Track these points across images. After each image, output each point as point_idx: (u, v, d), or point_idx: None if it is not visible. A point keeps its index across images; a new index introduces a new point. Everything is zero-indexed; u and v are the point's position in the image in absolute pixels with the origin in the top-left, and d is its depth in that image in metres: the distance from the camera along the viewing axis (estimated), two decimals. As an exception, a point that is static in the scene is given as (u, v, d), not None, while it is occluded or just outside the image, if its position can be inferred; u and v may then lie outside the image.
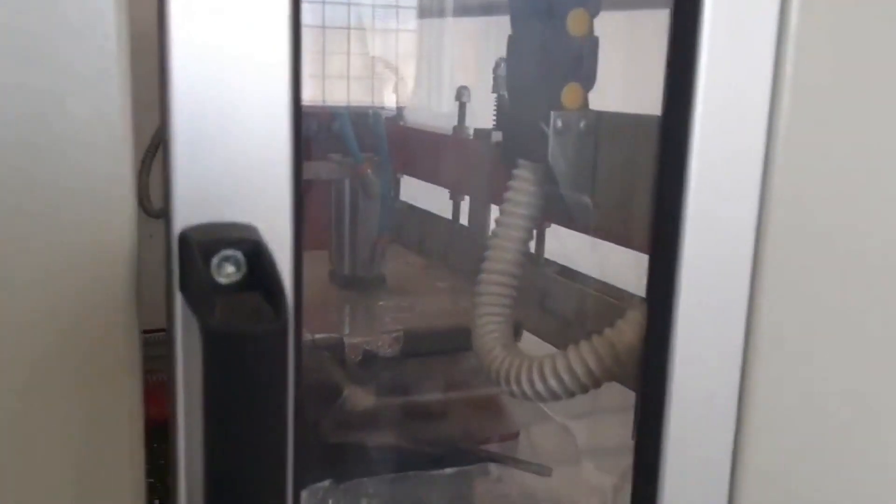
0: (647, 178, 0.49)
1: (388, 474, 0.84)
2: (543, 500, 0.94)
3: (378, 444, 0.90)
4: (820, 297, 0.50)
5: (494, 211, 1.02)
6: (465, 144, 1.04)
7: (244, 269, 0.34)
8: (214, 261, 0.34)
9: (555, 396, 0.56)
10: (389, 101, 1.13)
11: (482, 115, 1.01)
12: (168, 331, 0.37)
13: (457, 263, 1.06)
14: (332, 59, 1.10)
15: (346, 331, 0.90)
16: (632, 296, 0.60)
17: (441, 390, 0.94)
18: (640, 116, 0.55)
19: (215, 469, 0.33)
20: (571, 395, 0.55)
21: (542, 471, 0.91)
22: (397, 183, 1.09)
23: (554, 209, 0.62)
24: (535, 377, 0.55)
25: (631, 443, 0.97)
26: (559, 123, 0.56)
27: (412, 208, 1.14)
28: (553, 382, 0.55)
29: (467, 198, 1.06)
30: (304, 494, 0.83)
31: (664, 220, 0.45)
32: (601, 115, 0.57)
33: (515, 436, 0.93)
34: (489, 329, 0.61)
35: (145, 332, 0.40)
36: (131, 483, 0.40)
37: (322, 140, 1.02)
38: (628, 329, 0.52)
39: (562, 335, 0.83)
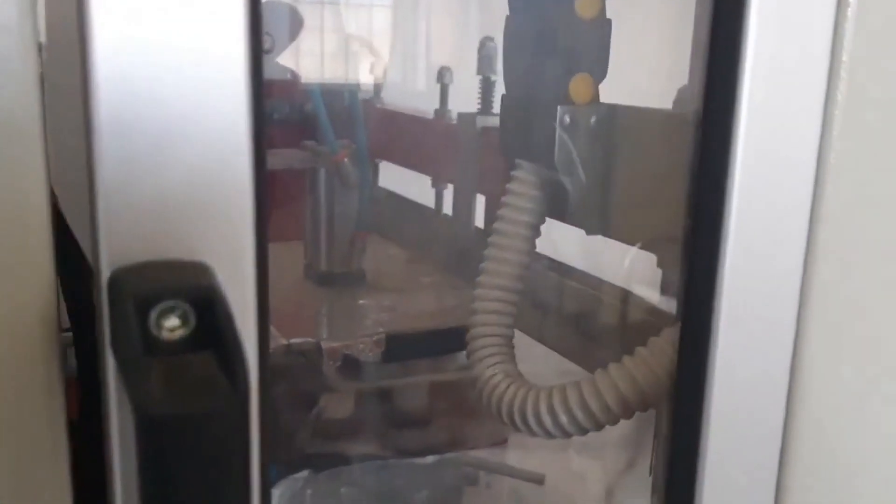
0: (668, 180, 0.43)
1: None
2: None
3: (359, 456, 0.84)
4: (875, 312, 0.44)
5: (480, 200, 0.97)
6: (448, 129, 0.98)
7: (192, 322, 0.27)
8: (153, 313, 0.27)
9: (565, 433, 0.49)
10: (366, 80, 1.07)
11: (466, 97, 0.96)
12: (102, 402, 0.29)
13: (439, 256, 1.00)
14: (305, 35, 1.03)
15: (324, 334, 0.84)
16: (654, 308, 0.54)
17: (425, 395, 0.88)
18: (661, 111, 0.49)
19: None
20: (584, 432, 0.49)
21: (535, 478, 0.86)
22: (376, 168, 1.03)
23: (559, 212, 0.55)
24: (544, 411, 0.49)
25: (627, 435, 0.92)
26: (566, 119, 0.49)
27: (392, 196, 1.08)
28: (564, 418, 0.49)
29: (450, 187, 1.00)
30: (280, 486, 0.78)
31: (702, 228, 0.39)
32: (615, 110, 0.50)
33: (504, 441, 0.88)
34: (488, 353, 0.55)
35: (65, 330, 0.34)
36: (55, 482, 0.34)
37: (294, 123, 0.96)
38: (652, 359, 0.46)
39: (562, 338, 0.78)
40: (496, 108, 0.92)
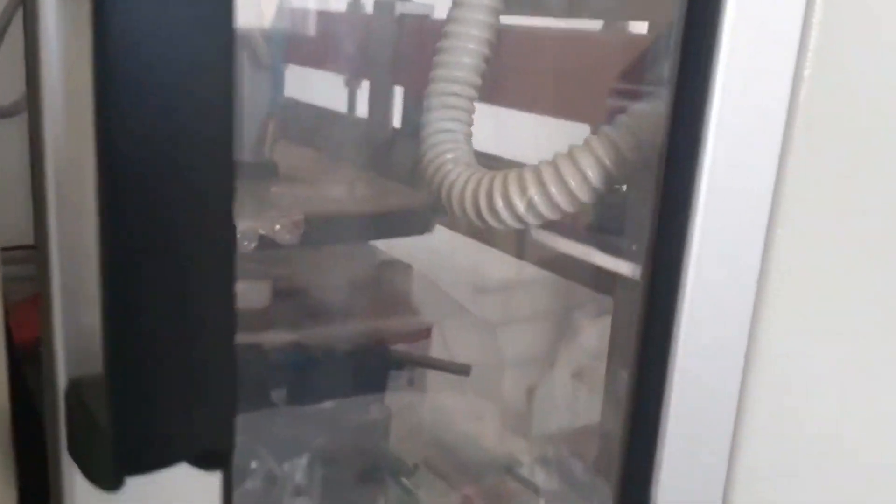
0: None
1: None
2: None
3: (277, 347, 0.79)
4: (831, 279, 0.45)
5: (398, 95, 0.93)
6: (364, 21, 0.93)
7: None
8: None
9: (538, 217, 0.45)
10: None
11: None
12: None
13: (356, 157, 0.96)
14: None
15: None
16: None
17: (345, 285, 0.84)
18: None
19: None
20: (541, 217, 0.46)
21: (461, 370, 0.83)
22: (282, 76, 0.97)
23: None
24: (514, 192, 0.45)
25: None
26: None
27: (299, 105, 1.03)
28: (537, 198, 0.45)
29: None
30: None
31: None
32: None
33: (428, 334, 0.84)
34: (445, 149, 0.51)
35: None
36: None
37: None
38: (617, 136, 0.43)
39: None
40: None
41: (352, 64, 0.95)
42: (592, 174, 0.44)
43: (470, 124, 0.52)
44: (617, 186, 0.55)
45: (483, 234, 0.80)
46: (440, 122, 0.51)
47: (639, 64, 0.52)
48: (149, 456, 0.20)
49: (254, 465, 0.72)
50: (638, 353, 0.43)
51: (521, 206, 0.46)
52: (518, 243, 0.78)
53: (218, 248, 0.21)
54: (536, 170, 0.46)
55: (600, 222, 0.61)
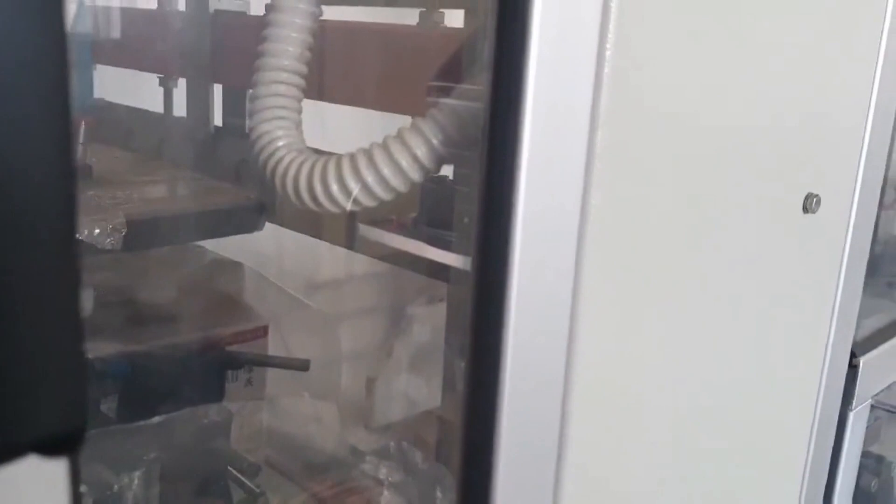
0: None
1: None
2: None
3: (103, 358, 0.76)
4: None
5: (217, 92, 0.91)
6: (176, 18, 0.90)
7: None
8: None
9: (373, 198, 0.46)
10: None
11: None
12: None
13: (178, 159, 0.93)
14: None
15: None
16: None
17: (173, 289, 0.81)
18: None
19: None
20: (376, 199, 0.46)
21: (300, 366, 0.82)
22: (91, 78, 0.93)
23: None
24: (348, 174, 0.45)
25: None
26: None
27: (113, 106, 0.98)
28: (370, 178, 0.45)
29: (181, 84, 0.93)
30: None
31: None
32: None
33: (264, 332, 0.83)
34: (277, 136, 0.50)
35: None
36: None
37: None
38: (445, 117, 0.44)
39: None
40: (229, -12, 0.87)
41: (166, 62, 0.92)
42: (421, 153, 0.45)
43: (299, 112, 0.52)
44: (444, 175, 0.57)
45: (316, 230, 0.80)
46: (270, 109, 0.51)
47: (458, 54, 0.53)
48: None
49: (84, 488, 0.69)
50: (471, 339, 0.44)
51: (355, 187, 0.46)
52: (350, 238, 0.78)
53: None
54: (368, 152, 0.47)
55: (428, 217, 0.63)
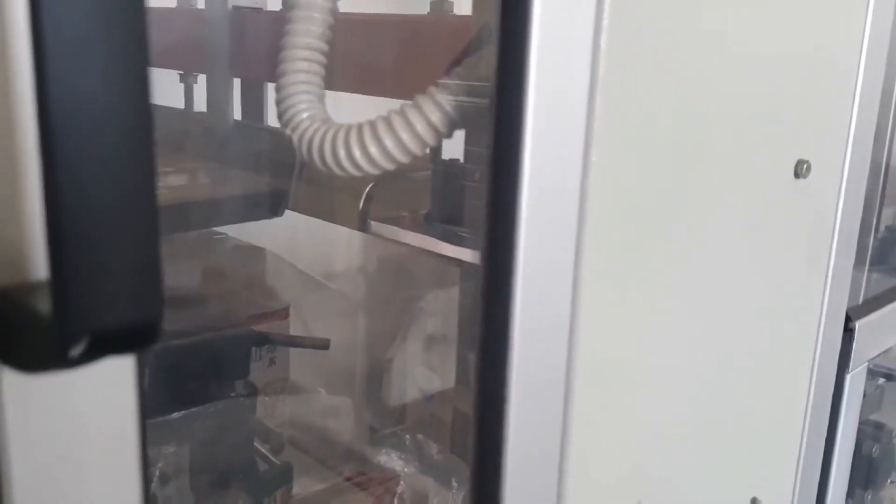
0: None
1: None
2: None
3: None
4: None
5: (237, 86, 0.94)
6: (196, 15, 0.94)
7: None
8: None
9: (391, 160, 0.49)
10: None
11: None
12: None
13: (198, 150, 0.96)
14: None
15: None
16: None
17: (197, 273, 0.85)
18: None
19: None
20: (394, 162, 0.50)
21: (320, 344, 0.86)
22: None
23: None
24: (369, 139, 0.49)
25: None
26: None
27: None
28: (389, 141, 0.49)
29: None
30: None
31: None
32: None
33: (286, 313, 0.86)
34: (301, 108, 0.53)
35: None
36: None
37: None
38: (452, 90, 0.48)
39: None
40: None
41: (186, 59, 0.95)
42: (435, 118, 0.49)
43: (321, 87, 0.56)
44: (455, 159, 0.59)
45: (333, 215, 0.83)
46: (295, 85, 0.55)
47: (469, 40, 0.56)
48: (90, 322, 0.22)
49: None
50: (481, 327, 0.46)
51: (375, 151, 0.50)
52: (363, 222, 0.81)
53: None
54: (387, 118, 0.50)
55: (440, 212, 0.66)
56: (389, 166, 0.51)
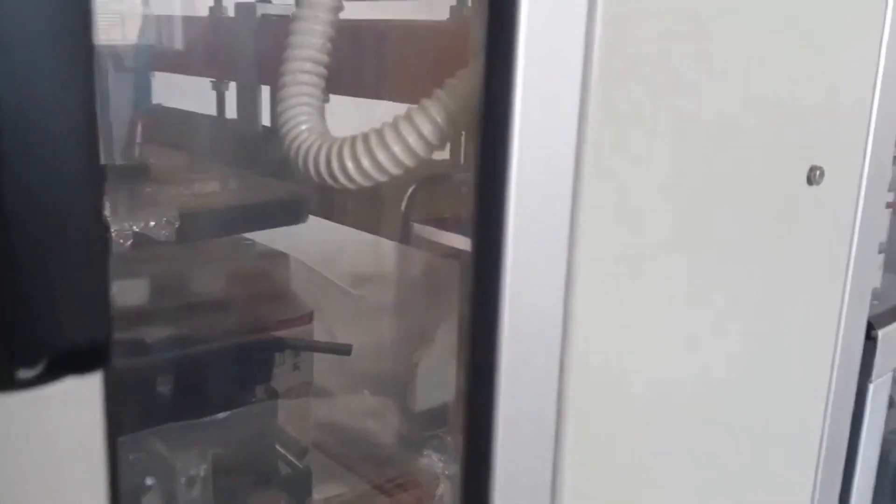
0: None
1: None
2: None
3: (156, 340, 0.81)
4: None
5: (265, 93, 0.96)
6: (226, 24, 0.96)
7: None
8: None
9: (383, 172, 0.50)
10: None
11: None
12: None
13: (229, 158, 0.98)
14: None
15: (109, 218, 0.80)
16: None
17: (223, 278, 0.87)
18: None
19: None
20: (387, 174, 0.50)
21: (342, 350, 0.86)
22: (148, 82, 0.99)
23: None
24: (361, 152, 0.50)
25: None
26: None
27: (169, 111, 1.04)
28: (381, 154, 0.49)
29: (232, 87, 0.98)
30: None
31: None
32: None
33: (310, 318, 0.87)
34: (300, 121, 0.55)
35: None
36: None
37: None
38: (449, 99, 0.48)
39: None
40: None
41: (218, 67, 0.97)
42: (427, 131, 0.49)
43: (321, 99, 0.56)
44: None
45: (357, 220, 0.84)
46: (294, 97, 0.56)
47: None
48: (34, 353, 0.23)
49: (149, 481, 0.73)
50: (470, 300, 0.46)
51: (367, 163, 0.50)
52: (389, 228, 0.82)
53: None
54: (379, 131, 0.51)
55: None
56: (382, 178, 0.51)
